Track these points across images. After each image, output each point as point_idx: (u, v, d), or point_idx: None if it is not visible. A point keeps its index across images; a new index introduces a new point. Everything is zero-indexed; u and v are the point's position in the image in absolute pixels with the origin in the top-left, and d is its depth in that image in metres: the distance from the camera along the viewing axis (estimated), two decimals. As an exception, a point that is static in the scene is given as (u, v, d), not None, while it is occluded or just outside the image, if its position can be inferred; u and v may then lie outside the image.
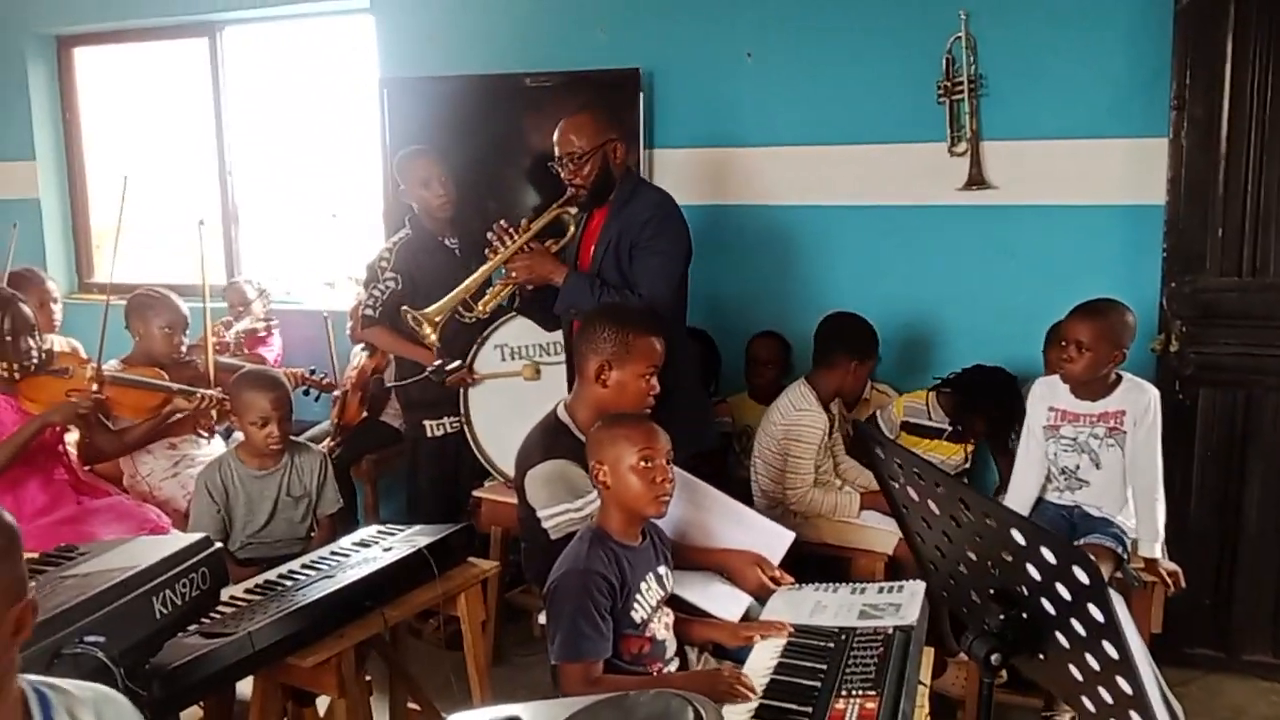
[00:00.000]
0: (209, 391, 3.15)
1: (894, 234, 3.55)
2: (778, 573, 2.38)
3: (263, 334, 4.24)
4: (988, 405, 3.21)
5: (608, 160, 2.88)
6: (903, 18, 3.42)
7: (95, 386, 2.99)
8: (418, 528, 2.77)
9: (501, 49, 3.96)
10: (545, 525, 2.31)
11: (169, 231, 5.10)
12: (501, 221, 3.00)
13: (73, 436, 3.16)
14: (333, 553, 2.63)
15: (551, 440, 2.36)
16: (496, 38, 3.98)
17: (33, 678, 1.25)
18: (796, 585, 2.36)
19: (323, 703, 2.56)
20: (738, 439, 3.66)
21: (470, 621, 2.65)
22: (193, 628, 2.08)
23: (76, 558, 1.97)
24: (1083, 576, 1.29)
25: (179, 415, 3.21)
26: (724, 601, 2.30)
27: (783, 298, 3.69)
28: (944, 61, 3.36)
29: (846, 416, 3.49)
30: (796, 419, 3.13)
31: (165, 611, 1.88)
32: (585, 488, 2.27)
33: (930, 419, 3.34)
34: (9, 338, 2.86)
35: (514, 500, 3.17)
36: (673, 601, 2.20)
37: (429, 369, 3.32)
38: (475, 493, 3.47)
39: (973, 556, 1.55)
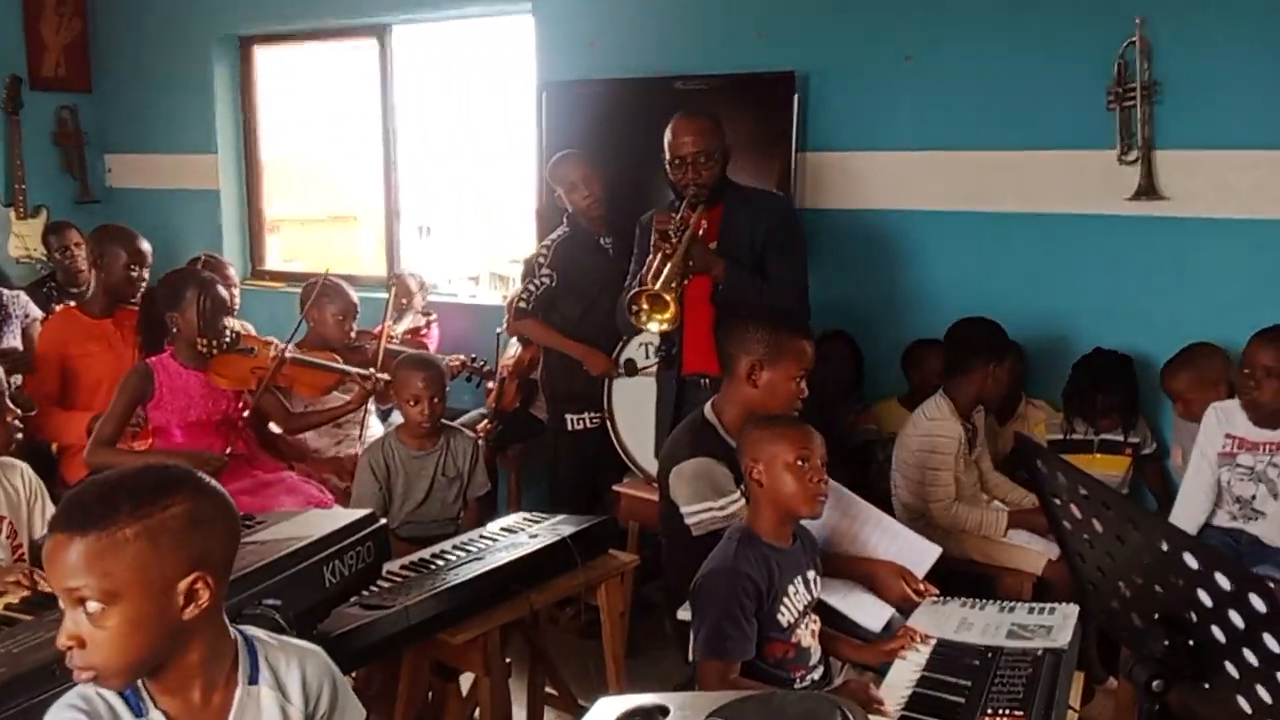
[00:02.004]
0: (379, 374, 3.31)
1: (1056, 243, 3.43)
2: (923, 585, 2.34)
3: (423, 328, 4.42)
4: (1099, 387, 3.15)
5: (725, 161, 2.95)
6: (1072, 21, 3.30)
7: (276, 370, 3.19)
8: (561, 517, 2.85)
9: (656, 52, 4.01)
10: (688, 522, 2.33)
11: (334, 222, 5.39)
12: (674, 214, 2.95)
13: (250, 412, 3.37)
14: (481, 536, 2.74)
15: (698, 438, 2.39)
16: (651, 41, 4.03)
17: (247, 629, 1.38)
18: (942, 599, 2.32)
19: (464, 681, 2.68)
20: (882, 447, 3.60)
21: (610, 611, 2.71)
22: (354, 599, 2.20)
23: (255, 525, 2.11)
24: (1260, 605, 1.23)
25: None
26: (868, 610, 2.28)
27: (936, 305, 3.61)
28: (1116, 66, 3.23)
29: (997, 430, 3.40)
30: (929, 429, 3.07)
31: (334, 581, 1.99)
32: (729, 487, 2.30)
33: (1074, 433, 3.24)
34: (208, 317, 3.08)
35: (653, 496, 3.24)
36: (816, 608, 2.19)
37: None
38: (615, 487, 3.54)
39: (1138, 579, 1.49)
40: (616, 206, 3.60)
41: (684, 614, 2.27)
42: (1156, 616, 1.45)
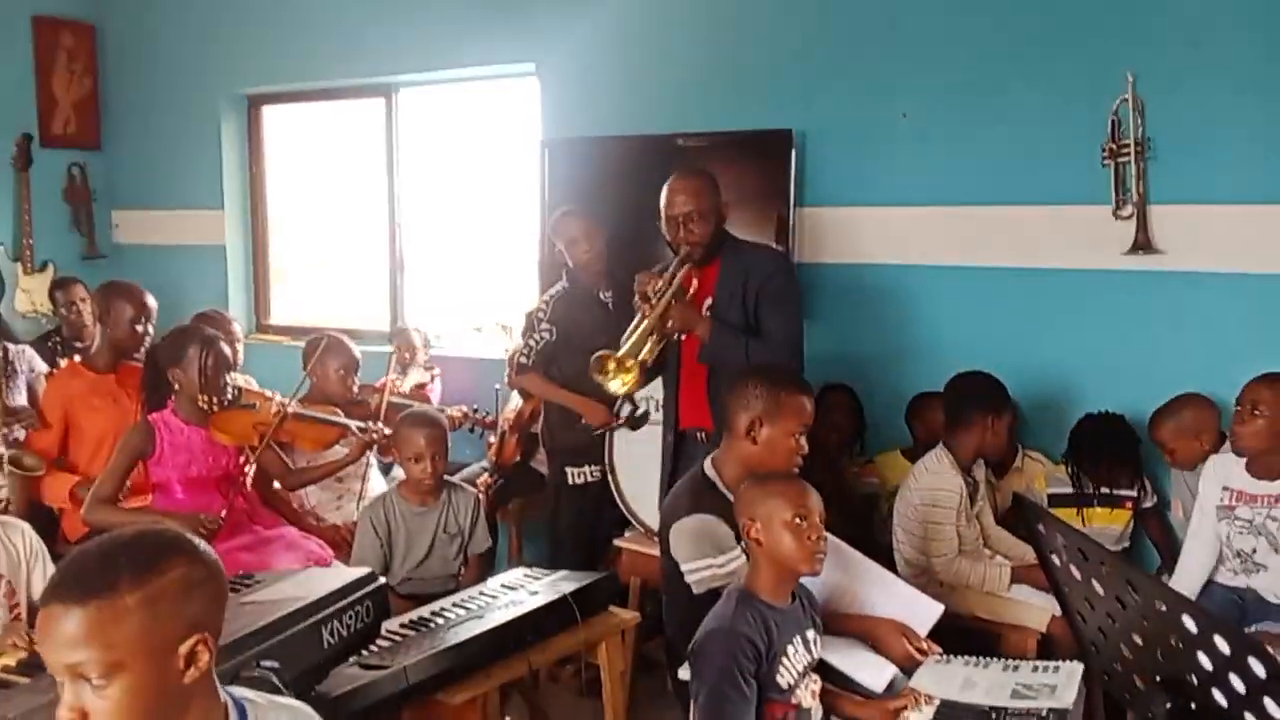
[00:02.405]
0: (381, 428, 3.32)
1: (1052, 298, 3.45)
2: (925, 644, 2.33)
3: (428, 382, 4.43)
4: (1103, 452, 3.18)
5: (721, 219, 2.99)
6: (1066, 78, 3.35)
7: (277, 426, 3.19)
8: (562, 573, 2.84)
9: (657, 111, 4.08)
10: (688, 580, 2.33)
11: (340, 276, 5.44)
12: (654, 269, 3.05)
13: (253, 467, 3.38)
14: (481, 593, 2.73)
15: (698, 495, 2.39)
16: (652, 100, 4.10)
17: (236, 690, 1.37)
18: (945, 658, 2.30)
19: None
20: (884, 501, 3.60)
21: (610, 670, 2.69)
22: (353, 659, 2.19)
23: (254, 584, 2.11)
24: (1259, 669, 1.23)
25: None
26: (869, 669, 2.26)
27: (935, 358, 3.62)
28: (1109, 123, 3.28)
29: (995, 484, 3.40)
30: (930, 483, 3.07)
31: (333, 641, 1.99)
32: (730, 544, 2.29)
33: (1074, 487, 3.24)
34: (209, 374, 3.09)
35: (654, 551, 3.22)
36: (817, 667, 2.18)
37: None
38: (616, 542, 3.52)
39: (1139, 640, 1.49)
40: (617, 261, 3.63)
41: (685, 673, 2.25)
42: (1158, 679, 1.45)
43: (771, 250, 3.05)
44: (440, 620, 2.52)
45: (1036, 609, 2.92)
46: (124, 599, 1.17)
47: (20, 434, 3.47)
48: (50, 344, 4.44)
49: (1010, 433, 3.28)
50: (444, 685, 2.28)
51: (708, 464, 2.46)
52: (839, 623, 2.35)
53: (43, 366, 3.90)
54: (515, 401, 4.10)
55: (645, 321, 2.93)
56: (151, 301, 3.71)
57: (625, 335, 2.97)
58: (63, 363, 4.03)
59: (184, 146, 5.44)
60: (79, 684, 1.16)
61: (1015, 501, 3.28)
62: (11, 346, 3.78)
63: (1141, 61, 3.22)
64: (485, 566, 3.18)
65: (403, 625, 2.46)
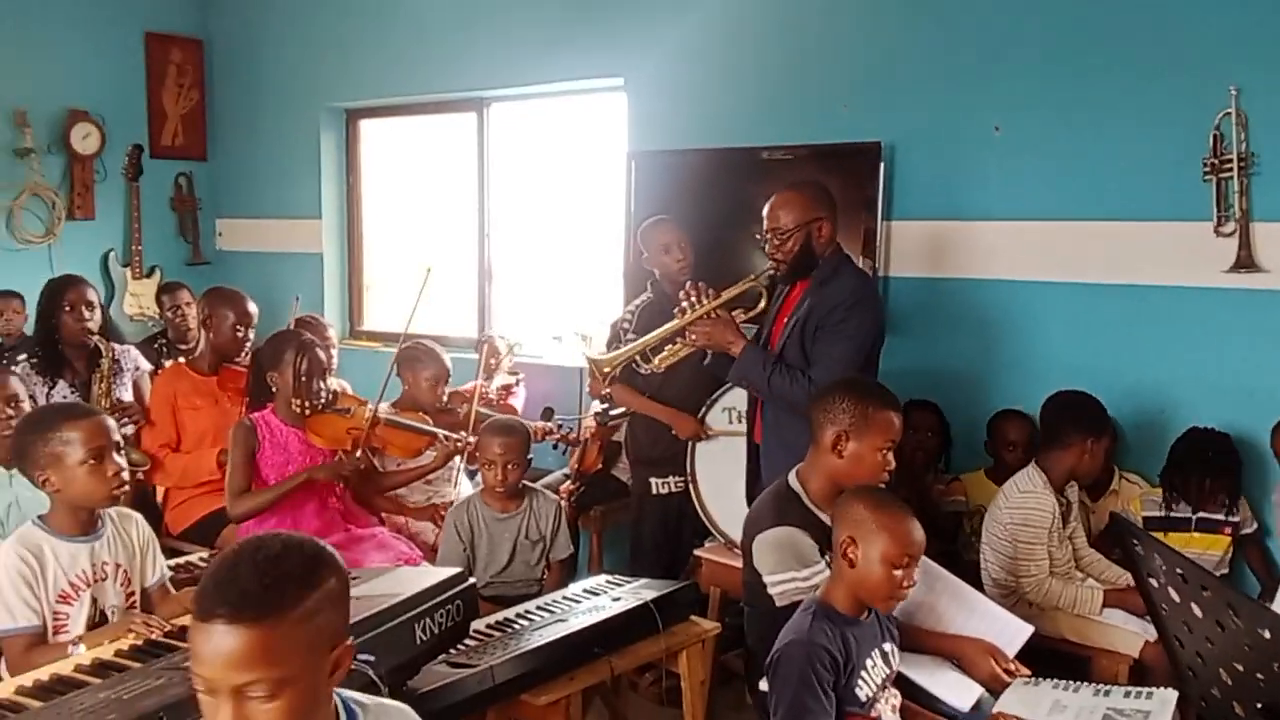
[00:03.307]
0: (467, 437, 3.39)
1: (1150, 316, 3.36)
2: (1013, 665, 2.29)
3: (512, 387, 4.51)
4: (1204, 466, 3.08)
5: (811, 238, 2.93)
6: (1166, 92, 3.27)
7: (362, 443, 3.29)
8: (644, 581, 2.87)
9: (742, 123, 4.09)
10: (771, 591, 2.33)
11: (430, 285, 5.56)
12: (699, 284, 3.07)
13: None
14: (564, 597, 2.77)
15: (782, 507, 2.39)
16: (738, 112, 4.12)
17: (343, 691, 1.39)
18: (1033, 680, 2.26)
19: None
20: (969, 519, 3.54)
21: (691, 679, 2.70)
22: (441, 657, 2.25)
23: (352, 580, 2.16)
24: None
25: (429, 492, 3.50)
26: (954, 688, 2.23)
27: (1025, 376, 3.56)
28: (1211, 137, 3.19)
29: (1090, 506, 3.32)
30: (1021, 502, 3.00)
31: (425, 638, 2.04)
32: (813, 557, 2.29)
33: (1171, 510, 3.15)
34: (304, 379, 3.20)
35: (735, 563, 3.24)
36: (901, 684, 2.16)
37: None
38: (697, 552, 3.54)
39: (1239, 667, 1.46)
40: (700, 272, 3.65)
41: (765, 684, 2.25)
42: (1259, 706, 1.41)
43: (853, 284, 2.92)
44: (524, 622, 2.57)
45: (1129, 634, 2.84)
46: (290, 617, 1.18)
47: (128, 429, 3.63)
48: (156, 346, 4.64)
49: (1107, 455, 3.20)
50: (528, 686, 2.32)
51: (792, 476, 2.46)
52: (924, 640, 2.33)
53: (147, 365, 4.08)
54: (595, 408, 4.14)
55: (659, 331, 3.05)
56: (252, 308, 3.85)
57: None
58: (167, 364, 4.22)
59: (285, 158, 5.64)
60: (244, 703, 1.16)
61: (1110, 523, 3.20)
62: (118, 346, 3.96)
63: (1245, 76, 3.13)
64: (566, 572, 3.22)
65: (488, 626, 2.51)
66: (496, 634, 2.48)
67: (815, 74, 3.94)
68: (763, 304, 3.11)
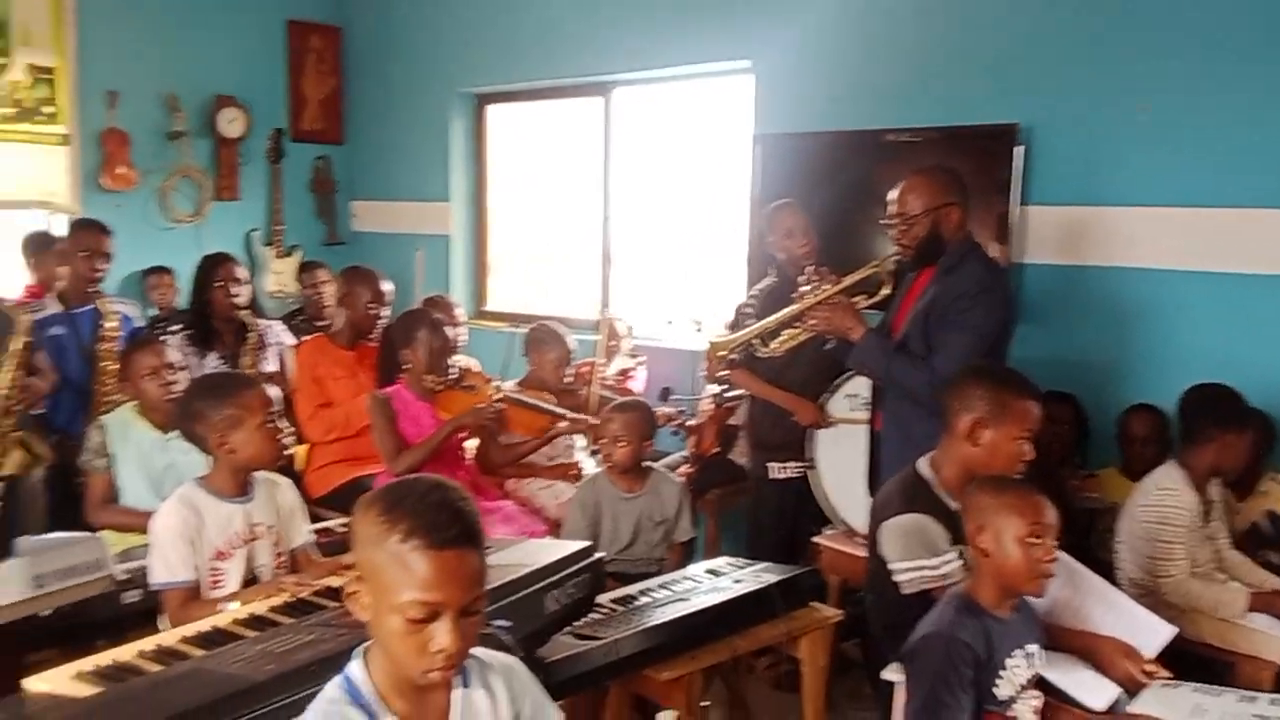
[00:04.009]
0: (588, 418, 3.45)
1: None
2: (1152, 666, 2.21)
3: (631, 369, 4.56)
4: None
5: (938, 224, 2.85)
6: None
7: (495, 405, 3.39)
8: (765, 565, 2.87)
9: (872, 105, 4.02)
10: (897, 579, 2.30)
11: (553, 267, 5.66)
12: (821, 268, 3.04)
13: (471, 444, 3.59)
14: (686, 577, 2.80)
15: (911, 494, 2.35)
16: (868, 94, 4.05)
17: None
18: (1173, 682, 2.18)
19: (662, 720, 2.73)
20: (1102, 517, 3.42)
21: (811, 665, 2.70)
22: (567, 629, 2.30)
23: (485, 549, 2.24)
24: None
25: (558, 455, 3.56)
26: (1089, 687, 2.17)
27: (1163, 370, 3.41)
28: (1382, 118, 2.99)
29: (1234, 506, 3.16)
30: (1159, 500, 2.88)
31: (554, 609, 2.09)
32: (943, 546, 2.25)
33: None
34: (435, 355, 3.32)
35: (856, 550, 3.21)
36: (1035, 680, 2.11)
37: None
38: (816, 539, 3.52)
39: None
40: (824, 258, 3.61)
41: (890, 675, 2.24)
42: None
43: (979, 272, 2.84)
44: (647, 599, 2.60)
45: (1275, 640, 2.71)
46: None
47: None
48: (295, 322, 4.85)
49: (1255, 451, 3.05)
50: (651, 661, 2.36)
51: (923, 463, 2.41)
52: (1060, 638, 2.26)
53: (290, 339, 4.27)
54: (712, 390, 4.16)
55: (777, 315, 3.01)
56: (387, 287, 4.00)
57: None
58: (305, 339, 4.40)
59: (416, 142, 5.81)
60: (465, 620, 1.31)
61: (1253, 526, 3.05)
62: (264, 321, 4.17)
63: None
64: (687, 554, 3.25)
65: (612, 601, 2.56)
66: (620, 609, 2.53)
67: (949, 54, 3.84)
68: (886, 290, 3.06)
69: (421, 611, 1.29)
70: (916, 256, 2.91)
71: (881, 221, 2.99)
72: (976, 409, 2.31)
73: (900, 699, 2.23)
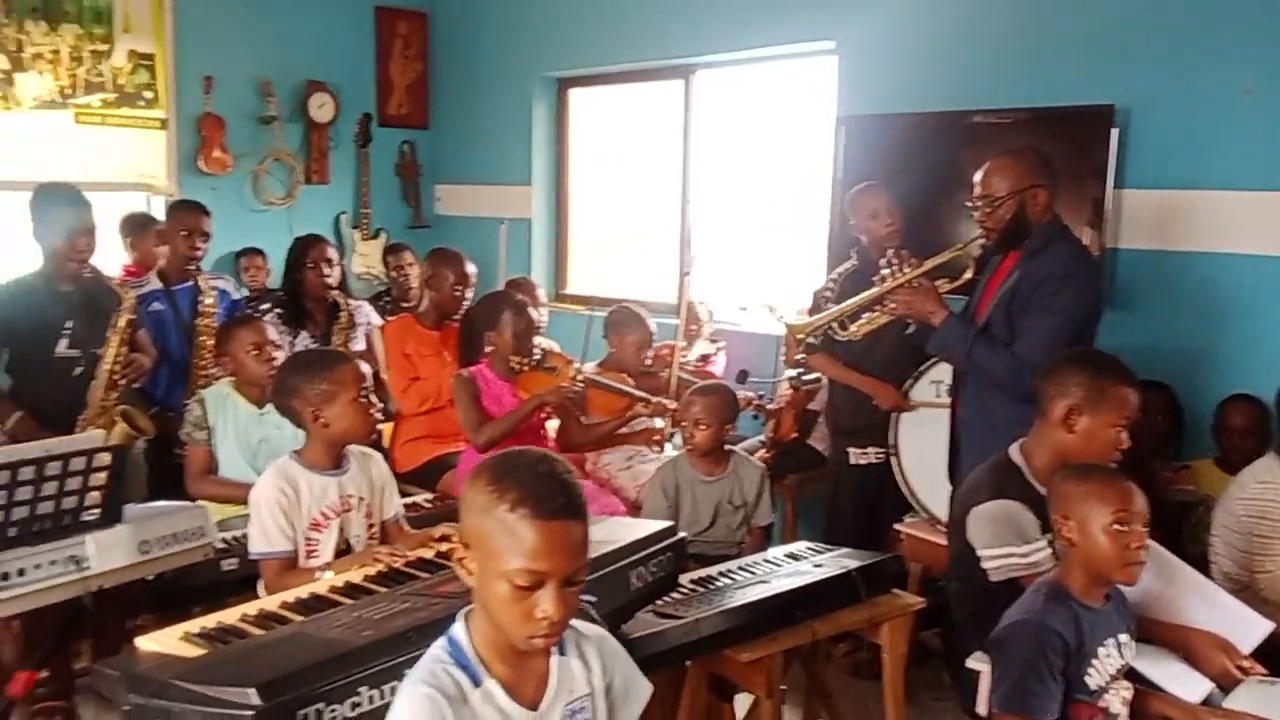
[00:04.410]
0: (667, 401, 3.47)
1: None
2: (1247, 662, 2.14)
3: (711, 354, 4.56)
4: None
5: (1025, 207, 2.79)
6: None
7: (577, 385, 3.42)
8: (845, 550, 2.85)
9: (960, 86, 3.94)
10: (985, 566, 2.27)
11: (631, 250, 5.69)
12: (902, 251, 3.00)
13: (552, 425, 3.64)
14: (766, 560, 2.80)
15: (1001, 480, 2.32)
16: (956, 75, 3.97)
17: None
18: (1270, 679, 2.11)
19: (739, 704, 2.73)
20: (1194, 510, 3.32)
21: (892, 652, 2.67)
22: (649, 607, 2.32)
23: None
24: None
25: (640, 421, 3.59)
26: (1181, 681, 2.12)
27: (1262, 360, 3.29)
28: None
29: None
30: (1258, 493, 2.78)
31: (639, 586, 2.11)
32: (1034, 534, 2.21)
33: None
34: (521, 337, 3.37)
35: (938, 538, 3.18)
36: (1126, 672, 2.07)
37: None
38: (897, 526, 3.48)
39: None
40: (908, 241, 3.56)
41: (974, 663, 2.21)
42: None
43: (1066, 255, 2.77)
44: (727, 581, 2.61)
45: (1379, 640, 2.60)
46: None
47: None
48: (380, 303, 4.97)
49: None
50: (731, 642, 2.37)
51: (1014, 449, 2.37)
52: (1151, 630, 2.21)
53: (377, 319, 4.38)
54: (790, 374, 4.14)
55: (857, 298, 2.99)
56: (471, 269, 4.07)
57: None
58: (390, 320, 4.50)
59: (499, 126, 5.88)
60: (566, 590, 1.35)
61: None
62: (353, 301, 4.27)
63: None
64: (765, 539, 3.25)
65: (692, 582, 2.57)
66: (700, 589, 2.54)
67: (1042, 32, 3.74)
68: (970, 274, 3.01)
69: (527, 579, 1.32)
70: (1001, 239, 2.86)
71: (966, 204, 2.94)
72: (1073, 395, 2.26)
73: (984, 688, 2.20)
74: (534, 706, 1.42)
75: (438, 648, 1.42)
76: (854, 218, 3.61)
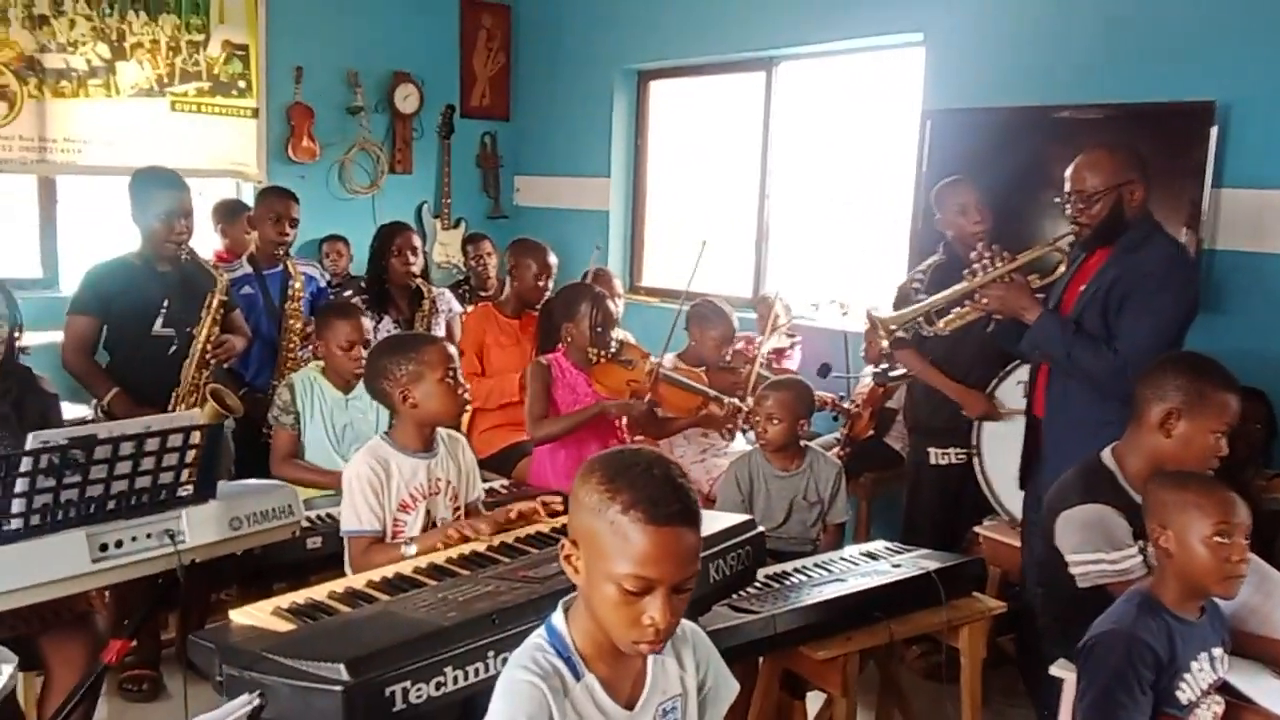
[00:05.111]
0: (739, 402, 3.45)
1: None
2: (1349, 680, 2.06)
3: (787, 349, 4.53)
4: None
5: (1121, 202, 2.71)
6: None
7: (650, 386, 3.42)
8: (924, 551, 2.82)
9: (1050, 81, 3.85)
10: (1072, 571, 2.21)
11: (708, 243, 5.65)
12: (994, 245, 2.94)
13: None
14: (842, 558, 2.78)
15: (1092, 484, 2.26)
16: (1047, 69, 3.87)
17: None
18: (1375, 700, 2.02)
19: (811, 702, 2.71)
20: (1293, 522, 3.20)
21: (971, 656, 2.63)
22: (724, 601, 2.32)
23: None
24: None
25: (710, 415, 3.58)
26: (1277, 696, 2.04)
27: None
28: None
29: None
30: None
31: (717, 579, 2.10)
32: (1125, 541, 2.15)
33: None
34: (599, 328, 3.38)
35: (1018, 542, 3.11)
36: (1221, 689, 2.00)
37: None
38: (976, 529, 3.42)
39: None
40: (993, 237, 3.49)
41: (1057, 671, 2.17)
42: None
43: (1168, 252, 2.71)
44: (803, 578, 2.60)
45: None
46: None
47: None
48: (458, 291, 5.03)
49: None
50: (806, 640, 2.35)
51: (1106, 453, 2.31)
52: (1247, 644, 2.14)
53: (459, 307, 4.45)
54: (869, 376, 4.08)
55: (948, 292, 2.93)
56: (553, 260, 4.10)
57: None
58: (469, 308, 4.57)
59: (579, 118, 5.91)
60: (674, 596, 1.31)
61: None
62: (435, 289, 4.33)
63: None
64: (840, 537, 3.22)
65: (766, 577, 2.56)
66: (776, 585, 2.53)
67: (1137, 25, 3.63)
68: (1061, 270, 2.94)
69: (636, 585, 1.29)
70: (1094, 235, 2.78)
71: (1057, 199, 2.87)
72: (1171, 399, 2.20)
73: (1068, 697, 2.15)
74: (630, 706, 1.40)
75: (538, 636, 1.40)
76: (941, 212, 3.55)
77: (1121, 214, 2.74)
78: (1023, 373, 3.32)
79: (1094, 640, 1.92)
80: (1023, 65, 3.94)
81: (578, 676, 1.37)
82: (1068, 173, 2.82)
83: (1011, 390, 3.35)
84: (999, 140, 3.90)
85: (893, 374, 3.78)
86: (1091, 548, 2.18)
